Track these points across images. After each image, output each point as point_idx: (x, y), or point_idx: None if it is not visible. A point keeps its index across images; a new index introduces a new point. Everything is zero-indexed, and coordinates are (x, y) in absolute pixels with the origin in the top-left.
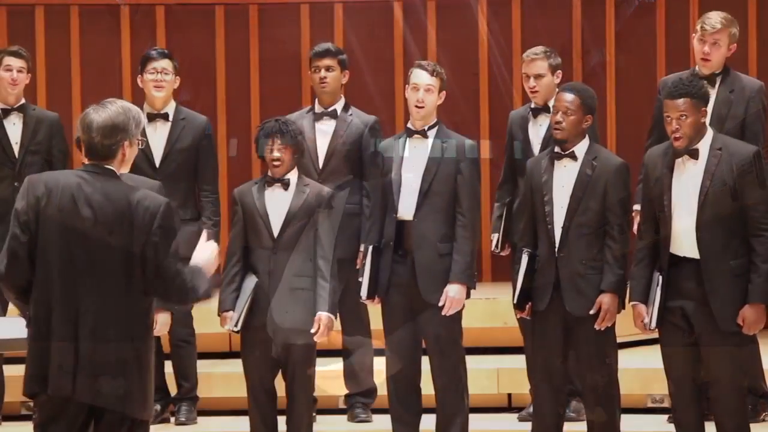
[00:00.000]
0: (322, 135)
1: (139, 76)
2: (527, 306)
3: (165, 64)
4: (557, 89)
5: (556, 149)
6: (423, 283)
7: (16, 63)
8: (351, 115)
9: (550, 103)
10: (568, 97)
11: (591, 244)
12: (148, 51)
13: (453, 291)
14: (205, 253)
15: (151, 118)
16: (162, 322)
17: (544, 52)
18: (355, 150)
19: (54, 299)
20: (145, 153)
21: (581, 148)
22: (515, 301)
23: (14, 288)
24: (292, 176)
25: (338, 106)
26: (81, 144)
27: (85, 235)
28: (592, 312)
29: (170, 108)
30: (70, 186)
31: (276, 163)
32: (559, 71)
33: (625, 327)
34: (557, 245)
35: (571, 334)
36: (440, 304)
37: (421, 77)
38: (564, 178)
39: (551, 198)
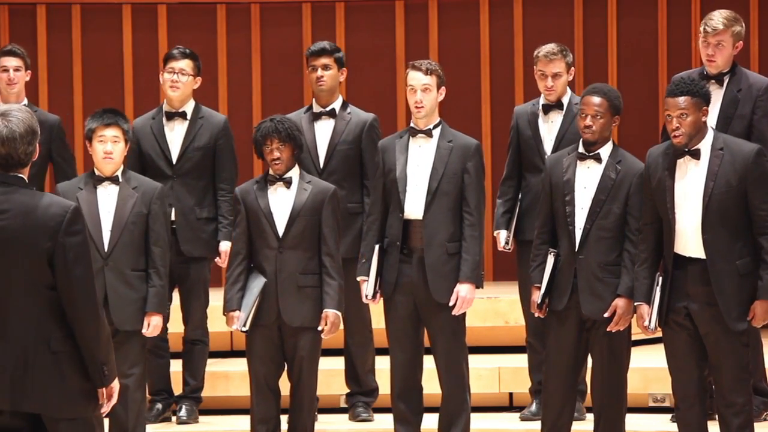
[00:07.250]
0: (322, 134)
1: (161, 73)
2: (545, 305)
3: (183, 64)
4: (569, 89)
5: (581, 149)
6: (433, 283)
7: (12, 62)
8: (349, 113)
9: (564, 100)
10: (596, 100)
11: (611, 248)
12: (171, 49)
13: (464, 291)
14: None
15: (169, 116)
16: (154, 325)
17: (561, 51)
18: (356, 148)
19: None
20: (163, 151)
21: (606, 151)
22: (539, 301)
23: None
24: (294, 174)
25: (336, 105)
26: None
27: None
28: (606, 315)
29: (189, 106)
30: None
31: (276, 162)
32: (573, 68)
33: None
34: (577, 247)
35: (587, 336)
36: (451, 303)
37: (416, 78)
38: (587, 179)
39: (573, 198)
